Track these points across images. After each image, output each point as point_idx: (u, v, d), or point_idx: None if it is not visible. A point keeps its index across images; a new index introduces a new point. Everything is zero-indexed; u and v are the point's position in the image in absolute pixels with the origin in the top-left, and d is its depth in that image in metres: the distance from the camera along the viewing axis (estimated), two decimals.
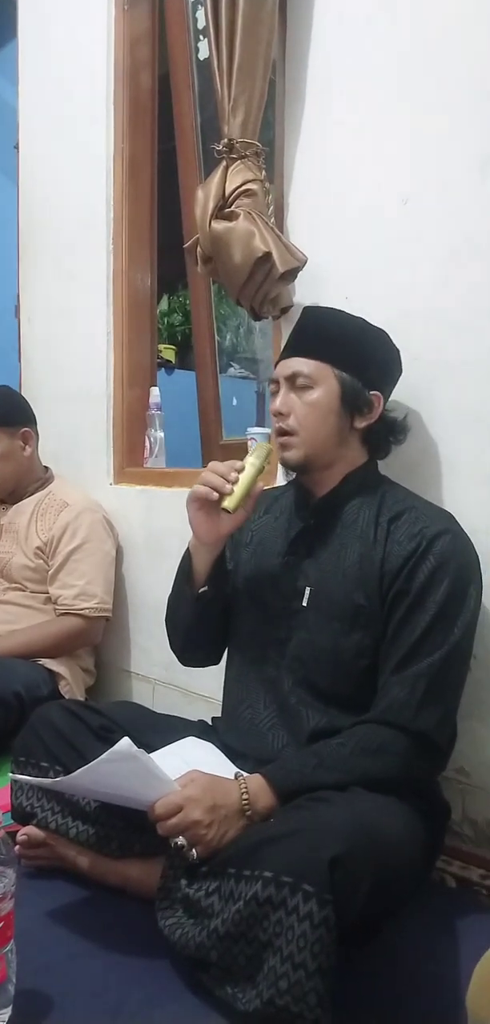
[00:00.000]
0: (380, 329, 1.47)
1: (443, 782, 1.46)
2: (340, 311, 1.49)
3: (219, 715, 1.57)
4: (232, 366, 4.27)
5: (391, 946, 1.23)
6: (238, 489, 1.37)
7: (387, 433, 1.49)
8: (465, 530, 1.39)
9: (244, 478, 1.38)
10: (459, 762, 1.51)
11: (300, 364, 1.42)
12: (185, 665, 1.66)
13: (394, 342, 1.49)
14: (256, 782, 1.27)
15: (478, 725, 1.51)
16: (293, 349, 1.46)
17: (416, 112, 1.60)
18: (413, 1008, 1.14)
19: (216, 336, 2.69)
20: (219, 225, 1.67)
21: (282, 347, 1.54)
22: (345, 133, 1.72)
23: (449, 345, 1.55)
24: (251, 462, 1.40)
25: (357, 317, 1.47)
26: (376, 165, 1.67)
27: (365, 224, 1.69)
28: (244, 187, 1.67)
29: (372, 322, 1.48)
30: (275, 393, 1.46)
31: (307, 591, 1.42)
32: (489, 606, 1.47)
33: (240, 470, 1.39)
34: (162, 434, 2.37)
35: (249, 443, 2.07)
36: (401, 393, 1.55)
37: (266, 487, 1.57)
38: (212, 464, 1.41)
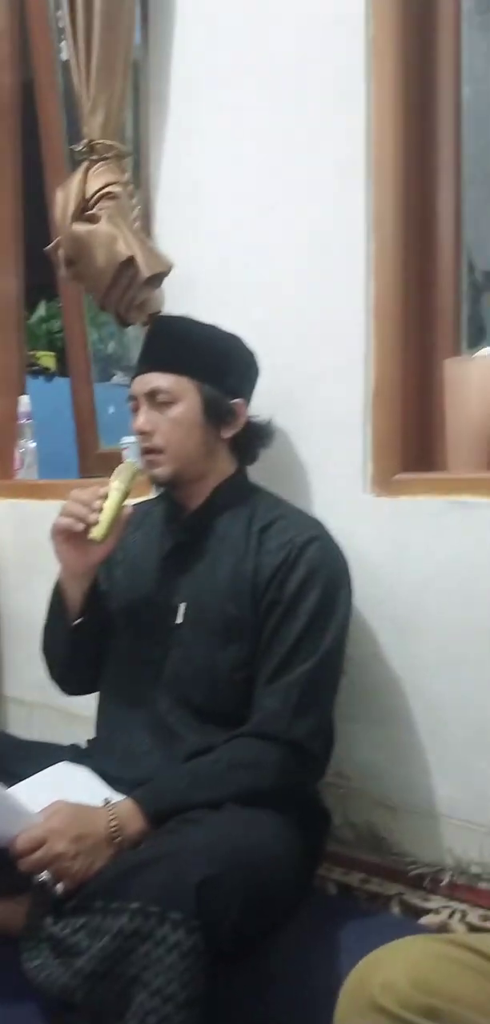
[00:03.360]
0: (232, 334, 1.45)
1: (323, 787, 1.45)
2: (191, 319, 1.45)
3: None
4: (116, 374, 4.19)
5: (265, 964, 1.19)
6: (104, 517, 1.31)
7: (253, 438, 1.46)
8: (336, 534, 1.40)
9: (109, 504, 1.33)
10: (338, 766, 1.50)
11: (159, 379, 1.37)
12: (68, 695, 1.59)
13: (266, 348, 1.47)
14: (126, 807, 1.22)
15: (354, 726, 1.51)
16: (149, 363, 1.41)
17: (280, 117, 1.59)
18: None
19: (89, 344, 2.62)
20: (81, 227, 1.62)
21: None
22: (210, 138, 1.70)
23: (320, 352, 1.56)
24: (116, 486, 1.35)
25: (208, 324, 1.43)
26: (240, 171, 1.65)
27: (232, 231, 1.66)
28: (106, 189, 1.62)
29: (244, 329, 1.46)
30: (136, 410, 1.41)
31: (182, 607, 1.38)
32: (360, 608, 1.49)
33: (104, 497, 1.33)
34: (33, 444, 2.28)
35: (123, 453, 2.01)
36: (275, 400, 1.54)
37: (136, 500, 1.52)
38: (74, 492, 1.35)
